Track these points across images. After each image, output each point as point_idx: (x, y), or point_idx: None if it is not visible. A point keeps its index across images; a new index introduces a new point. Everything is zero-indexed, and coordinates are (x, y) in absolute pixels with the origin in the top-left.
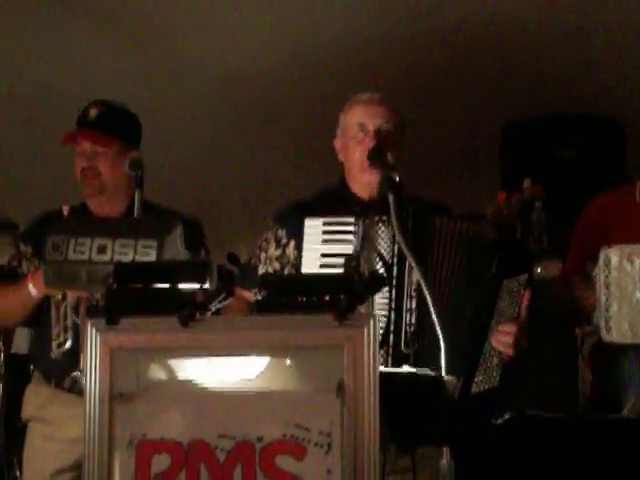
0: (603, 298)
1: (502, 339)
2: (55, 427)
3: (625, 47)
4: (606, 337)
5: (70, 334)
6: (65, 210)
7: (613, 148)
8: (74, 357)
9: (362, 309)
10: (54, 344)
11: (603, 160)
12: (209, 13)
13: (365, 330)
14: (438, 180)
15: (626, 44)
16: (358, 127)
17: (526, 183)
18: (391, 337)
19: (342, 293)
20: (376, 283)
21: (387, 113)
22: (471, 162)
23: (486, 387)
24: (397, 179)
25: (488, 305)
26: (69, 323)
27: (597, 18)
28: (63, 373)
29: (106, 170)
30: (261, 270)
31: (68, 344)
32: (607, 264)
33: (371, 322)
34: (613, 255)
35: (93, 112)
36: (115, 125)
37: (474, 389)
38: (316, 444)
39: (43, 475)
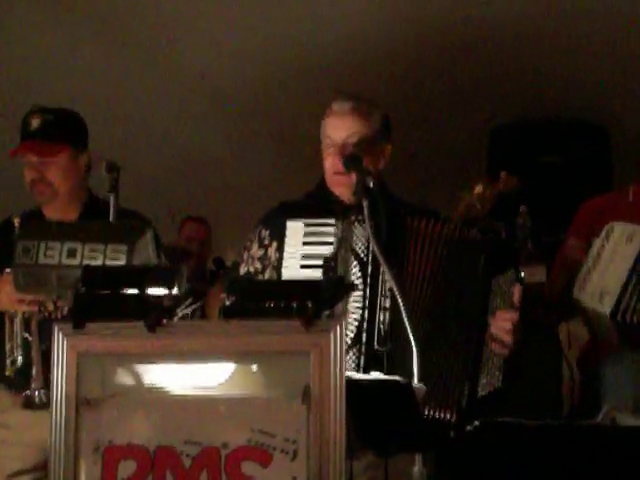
0: (590, 262)
1: (501, 325)
2: (15, 432)
3: (610, 54)
4: (576, 293)
5: (20, 351)
6: (16, 221)
7: (599, 153)
8: (27, 374)
9: (337, 308)
10: (8, 361)
11: (589, 165)
12: (196, 18)
13: (332, 336)
14: (425, 184)
15: (611, 51)
16: (328, 139)
17: (502, 175)
18: (364, 336)
19: (309, 299)
20: (344, 289)
21: (356, 124)
22: (458, 167)
23: (492, 389)
24: (371, 184)
25: (481, 305)
26: (19, 340)
27: (583, 25)
28: (23, 383)
29: (56, 179)
30: (243, 269)
31: (19, 361)
32: (608, 235)
33: (337, 328)
34: (616, 229)
35: (35, 122)
36: (61, 132)
37: (480, 392)
38: (282, 451)
39: (1, 476)
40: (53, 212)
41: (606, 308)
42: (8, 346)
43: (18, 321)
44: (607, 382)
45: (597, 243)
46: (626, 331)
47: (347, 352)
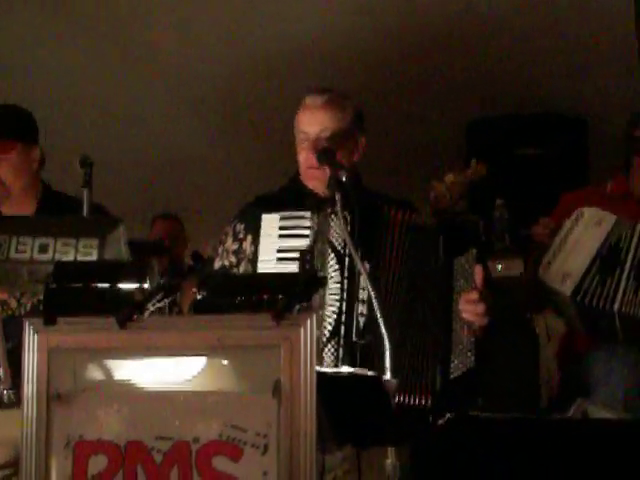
0: (557, 242)
1: (467, 308)
2: None
3: (587, 47)
4: (540, 273)
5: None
6: None
7: (575, 146)
8: None
9: (314, 300)
10: None
11: (566, 158)
12: (177, 17)
13: (302, 330)
14: (402, 178)
15: (588, 44)
16: (301, 134)
17: (472, 163)
18: (342, 328)
19: (280, 293)
20: (315, 283)
21: (329, 118)
22: (435, 161)
23: (464, 369)
24: (344, 178)
25: (445, 287)
26: None
27: (559, 18)
28: None
29: (8, 176)
30: (217, 263)
31: None
32: (578, 218)
33: (308, 322)
34: (586, 213)
35: None
36: (9, 129)
37: (453, 374)
38: (252, 445)
39: None
40: (8, 209)
41: (567, 290)
42: None
43: None
44: (597, 376)
45: (566, 225)
46: (585, 314)
47: (325, 345)
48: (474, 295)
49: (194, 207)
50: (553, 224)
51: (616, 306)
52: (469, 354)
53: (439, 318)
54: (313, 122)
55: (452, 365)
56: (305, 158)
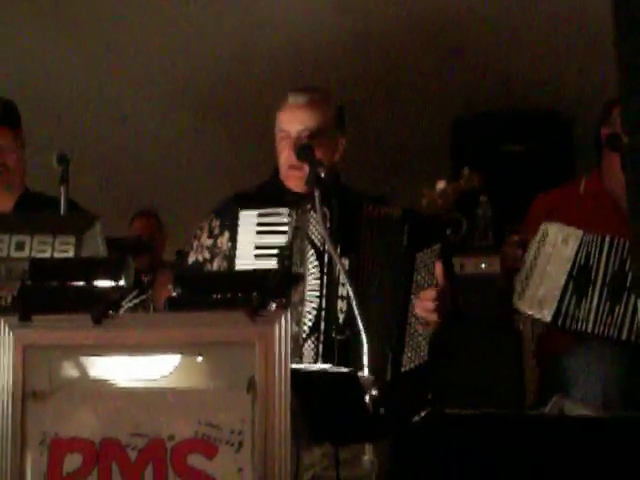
0: (527, 266)
1: (423, 305)
2: None
3: (571, 45)
4: (516, 301)
5: None
6: None
7: (560, 143)
8: None
9: (295, 296)
10: None
11: (551, 155)
12: (160, 9)
13: (277, 327)
14: (388, 176)
15: (573, 42)
16: (282, 133)
17: (465, 171)
18: (322, 324)
19: (255, 290)
20: (290, 280)
21: (309, 117)
22: (421, 158)
23: (417, 363)
24: (323, 175)
25: (405, 280)
26: None
27: (545, 16)
28: None
29: (12, 163)
30: (192, 257)
31: None
32: (544, 237)
33: (283, 319)
34: (551, 231)
35: None
36: (8, 116)
37: (405, 367)
38: (227, 442)
39: None
40: None
41: (546, 316)
42: None
43: None
44: (575, 373)
45: (533, 246)
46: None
47: (305, 340)
48: (431, 292)
49: (175, 204)
50: (522, 237)
51: (590, 328)
52: (422, 348)
53: (396, 310)
54: (294, 121)
55: (404, 358)
56: (286, 157)
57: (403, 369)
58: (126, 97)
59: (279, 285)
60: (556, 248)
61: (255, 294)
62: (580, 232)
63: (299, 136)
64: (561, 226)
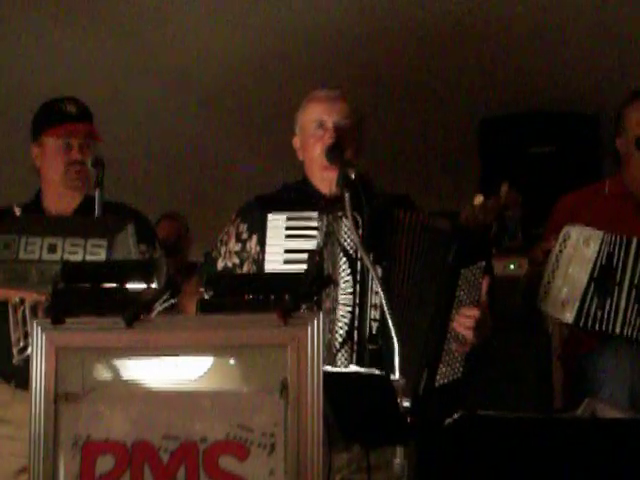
0: (550, 269)
1: (463, 322)
2: (16, 427)
3: (599, 44)
4: (539, 303)
5: (30, 339)
6: (17, 210)
7: (589, 144)
8: None
9: (327, 303)
10: (15, 350)
11: (579, 156)
12: (171, 4)
13: (309, 329)
14: (416, 177)
15: (600, 41)
16: (317, 124)
17: (504, 187)
18: (355, 333)
19: (287, 292)
20: (321, 282)
21: (345, 109)
22: (449, 159)
23: (451, 379)
24: (353, 176)
25: (447, 295)
26: (29, 328)
27: (573, 16)
28: (25, 375)
29: (89, 164)
30: (220, 264)
31: (29, 349)
32: (565, 239)
33: (315, 321)
34: (574, 232)
35: (72, 107)
36: (91, 119)
37: (439, 381)
38: (259, 445)
39: (7, 474)
40: (57, 202)
41: (568, 318)
42: (15, 336)
43: (27, 308)
44: (602, 375)
45: (555, 249)
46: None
47: (339, 350)
48: (472, 311)
49: (198, 206)
50: (548, 245)
51: (617, 329)
52: (458, 365)
53: (435, 324)
54: (332, 110)
55: (439, 372)
56: (323, 148)
57: (437, 384)
58: (151, 98)
59: (311, 287)
60: (578, 250)
61: (287, 296)
62: (601, 233)
63: (337, 125)
64: (583, 228)
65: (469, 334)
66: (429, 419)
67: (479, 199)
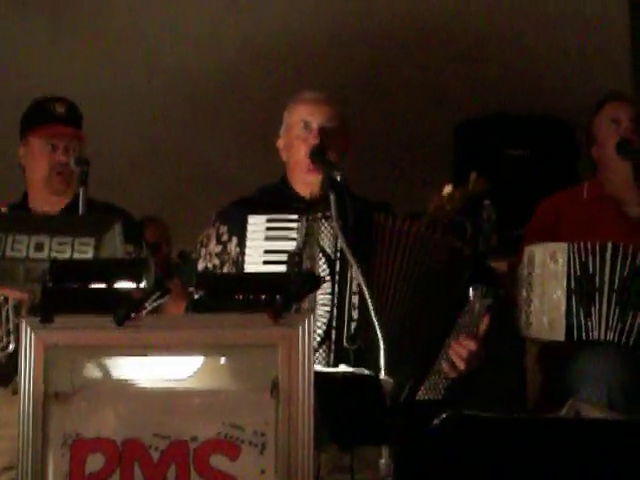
0: (524, 294)
1: (459, 350)
2: (2, 425)
3: (575, 49)
4: (525, 332)
5: (12, 337)
6: (3, 209)
7: (563, 148)
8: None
9: (304, 304)
10: None
11: (554, 160)
12: (162, 6)
13: (300, 329)
14: (391, 180)
15: (576, 46)
16: (302, 125)
17: (472, 176)
18: (333, 333)
19: (278, 292)
20: (312, 282)
21: (331, 112)
22: (423, 162)
23: (430, 397)
24: (339, 178)
25: (449, 316)
26: (11, 326)
27: (549, 21)
28: (8, 375)
29: (73, 166)
30: (201, 265)
31: (11, 347)
32: (531, 261)
33: (306, 321)
34: (537, 252)
35: (61, 108)
36: (79, 121)
37: (420, 396)
38: (250, 443)
39: None
40: (45, 202)
41: (559, 336)
42: None
43: (10, 307)
44: (579, 377)
45: (523, 274)
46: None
47: (317, 349)
48: (470, 343)
49: (177, 205)
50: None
51: (602, 335)
52: (441, 387)
53: (430, 341)
54: (318, 112)
55: (422, 387)
56: (307, 149)
57: (418, 397)
58: (127, 99)
59: (302, 287)
60: (547, 267)
61: (278, 296)
62: (565, 245)
63: (323, 127)
64: (545, 244)
65: (460, 363)
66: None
67: (448, 189)
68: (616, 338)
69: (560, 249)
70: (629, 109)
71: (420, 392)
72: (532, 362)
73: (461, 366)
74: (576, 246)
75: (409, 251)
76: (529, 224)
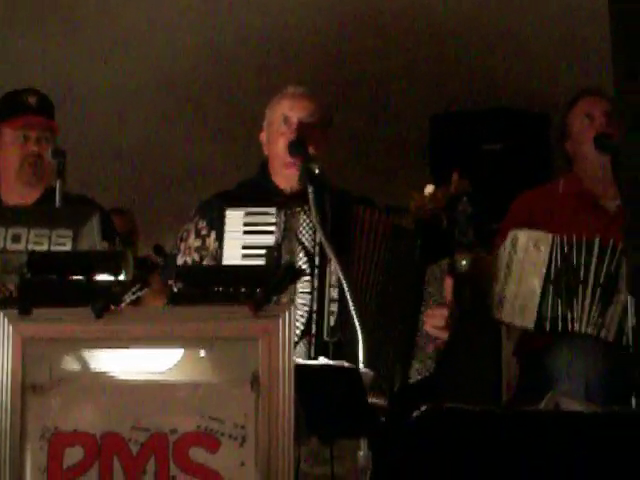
0: (501, 276)
1: (435, 323)
2: None
3: (549, 43)
4: (496, 314)
5: None
6: None
7: (539, 142)
8: None
9: (283, 298)
10: None
11: (529, 154)
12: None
13: (280, 322)
14: (366, 173)
15: (551, 40)
16: (282, 120)
17: (454, 177)
18: (313, 326)
19: (258, 285)
20: (292, 275)
21: (311, 106)
22: (399, 155)
23: (425, 375)
24: (317, 171)
25: (416, 291)
26: None
27: (523, 13)
28: None
29: (47, 157)
30: (180, 260)
31: None
32: (514, 244)
33: (287, 314)
34: (521, 237)
35: (33, 99)
36: (52, 112)
37: (413, 378)
38: (230, 436)
39: None
40: (17, 195)
41: (529, 323)
42: None
43: None
44: (557, 370)
45: (504, 255)
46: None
47: (297, 343)
48: (441, 311)
49: (149, 199)
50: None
51: (583, 328)
52: (429, 361)
53: (405, 321)
54: (297, 107)
55: (412, 370)
56: (285, 143)
57: (410, 380)
58: (102, 91)
59: (282, 280)
60: (528, 254)
61: (259, 289)
62: (550, 236)
63: (301, 122)
64: (530, 232)
65: (440, 334)
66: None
67: (429, 189)
68: (595, 332)
69: (544, 239)
70: (603, 104)
71: (412, 374)
72: (509, 355)
73: (441, 336)
74: (559, 238)
75: (380, 240)
76: (504, 220)
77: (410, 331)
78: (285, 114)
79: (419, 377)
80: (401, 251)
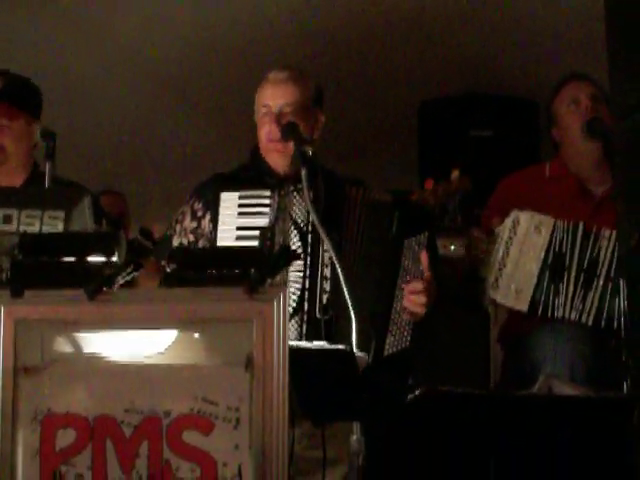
0: (499, 255)
1: (412, 298)
2: None
3: (541, 29)
4: (490, 293)
5: None
6: None
7: (527, 128)
8: None
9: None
10: None
11: (518, 140)
12: None
13: (275, 304)
14: (356, 158)
15: (542, 26)
16: (264, 108)
17: (454, 174)
18: (305, 304)
19: (253, 266)
20: (287, 256)
21: (291, 92)
22: (388, 141)
23: (399, 348)
24: (310, 153)
25: (393, 264)
26: None
27: (512, 0)
28: None
29: (10, 144)
30: (176, 241)
31: None
32: (515, 225)
33: (281, 296)
34: (523, 218)
35: None
36: (21, 98)
37: (387, 351)
38: (224, 419)
39: None
40: None
41: (523, 306)
42: None
43: None
44: (542, 355)
45: (504, 234)
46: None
47: (289, 320)
48: (417, 285)
49: (141, 184)
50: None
51: (566, 314)
52: (405, 334)
53: (381, 295)
54: (276, 95)
55: (387, 342)
56: (267, 131)
57: (385, 353)
58: (94, 77)
59: (277, 262)
60: (528, 236)
61: (253, 270)
62: (552, 220)
63: (281, 110)
64: (533, 214)
65: (417, 309)
66: (379, 390)
67: (429, 184)
68: (577, 317)
69: (546, 222)
70: (588, 88)
71: (387, 347)
72: (494, 340)
73: (418, 310)
74: (562, 223)
75: (357, 216)
76: (489, 202)
77: (385, 304)
78: (266, 103)
79: (394, 349)
80: (377, 225)
